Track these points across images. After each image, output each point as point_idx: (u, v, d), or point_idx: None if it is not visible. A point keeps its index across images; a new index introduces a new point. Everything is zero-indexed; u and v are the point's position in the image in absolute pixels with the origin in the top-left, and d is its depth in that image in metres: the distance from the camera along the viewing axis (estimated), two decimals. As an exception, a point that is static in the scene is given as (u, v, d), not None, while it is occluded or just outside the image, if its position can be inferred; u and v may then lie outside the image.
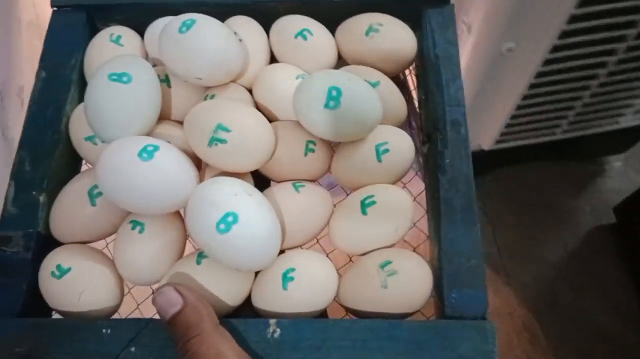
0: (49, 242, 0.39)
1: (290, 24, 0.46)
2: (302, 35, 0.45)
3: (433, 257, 0.39)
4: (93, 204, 0.39)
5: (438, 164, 0.40)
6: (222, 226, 0.33)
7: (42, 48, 0.45)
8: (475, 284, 0.36)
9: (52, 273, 0.36)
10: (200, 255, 0.37)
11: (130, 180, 0.35)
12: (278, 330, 0.34)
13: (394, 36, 0.45)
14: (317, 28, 0.46)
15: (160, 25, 0.46)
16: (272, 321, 0.34)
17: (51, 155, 0.41)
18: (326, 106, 0.38)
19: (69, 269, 0.37)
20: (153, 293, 0.33)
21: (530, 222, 1.19)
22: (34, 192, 0.40)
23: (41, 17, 0.79)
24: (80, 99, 0.44)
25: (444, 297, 0.35)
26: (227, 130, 0.37)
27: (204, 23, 0.41)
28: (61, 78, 0.44)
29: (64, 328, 0.35)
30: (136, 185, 0.35)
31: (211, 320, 0.32)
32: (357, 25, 0.46)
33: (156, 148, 0.36)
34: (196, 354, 0.30)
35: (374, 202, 0.39)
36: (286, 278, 0.36)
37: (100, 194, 0.39)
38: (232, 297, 0.36)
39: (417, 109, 0.47)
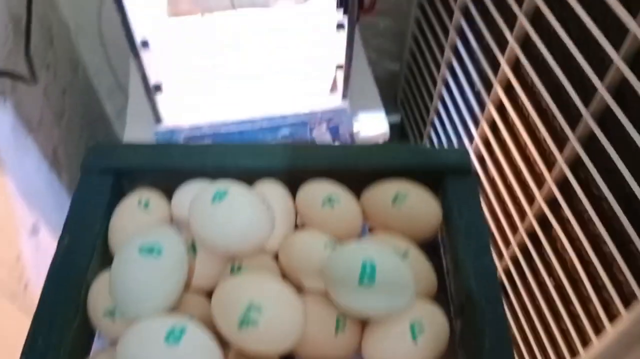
0: None
1: (317, 189, 0.47)
2: (329, 202, 0.45)
3: None
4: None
5: (478, 345, 0.38)
6: None
7: (67, 213, 0.45)
8: None
9: None
10: None
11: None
12: None
13: (420, 204, 0.46)
14: (343, 194, 0.46)
15: (189, 190, 0.46)
16: None
17: (67, 330, 0.39)
18: (360, 282, 0.37)
19: None
20: None
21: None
22: (43, 374, 0.37)
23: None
24: (102, 267, 0.43)
25: None
26: (259, 310, 0.35)
27: (237, 195, 0.41)
28: (84, 244, 0.43)
29: None
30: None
31: None
32: (383, 192, 0.46)
33: (183, 331, 0.34)
34: None
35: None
36: None
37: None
38: None
39: (446, 277, 0.47)
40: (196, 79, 0.73)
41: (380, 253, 0.39)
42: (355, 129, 0.78)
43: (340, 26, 0.69)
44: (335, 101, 0.78)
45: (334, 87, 0.78)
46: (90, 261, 0.42)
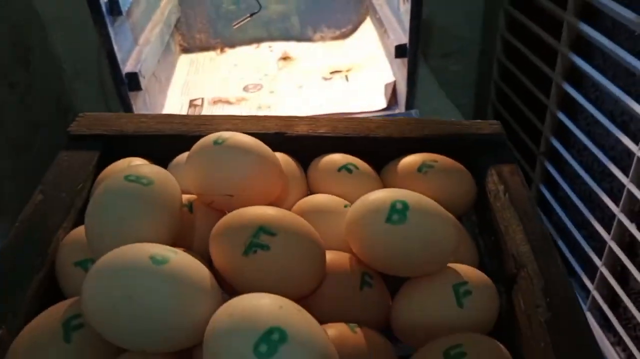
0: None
1: (332, 159, 0.41)
2: (347, 168, 0.40)
3: None
4: (67, 341, 0.27)
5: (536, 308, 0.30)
6: (262, 348, 0.22)
7: (46, 173, 0.39)
8: None
9: None
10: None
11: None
12: None
13: (452, 174, 0.40)
14: (360, 163, 0.41)
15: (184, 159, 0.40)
16: None
17: (26, 286, 0.31)
18: (388, 220, 0.30)
19: None
20: None
21: None
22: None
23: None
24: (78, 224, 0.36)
25: None
26: (271, 234, 0.28)
27: (241, 137, 0.36)
28: (61, 204, 0.37)
29: None
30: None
31: None
32: (408, 162, 0.41)
33: (168, 257, 0.27)
34: None
35: (463, 354, 0.28)
36: None
37: (78, 326, 0.28)
38: None
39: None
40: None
41: (415, 196, 0.32)
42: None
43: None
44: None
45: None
46: (65, 217, 0.36)
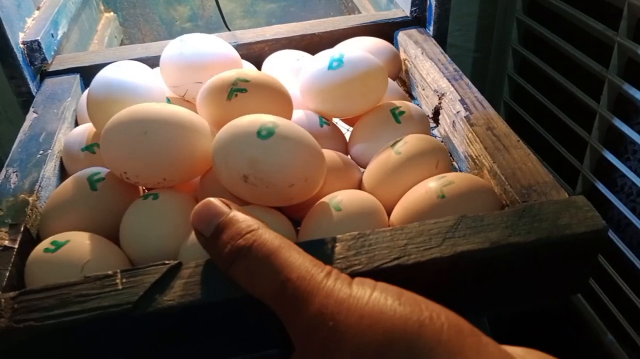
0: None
1: (281, 55, 0.49)
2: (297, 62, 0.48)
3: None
4: (94, 189, 0.34)
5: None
6: (263, 132, 0.30)
7: (34, 99, 0.45)
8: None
9: (46, 249, 0.30)
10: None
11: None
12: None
13: (377, 44, 0.49)
14: (307, 55, 0.49)
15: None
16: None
17: (41, 167, 0.37)
18: (330, 66, 0.39)
19: (66, 242, 0.30)
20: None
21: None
22: (22, 195, 0.35)
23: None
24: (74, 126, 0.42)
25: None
26: (246, 80, 0.36)
27: (201, 35, 0.43)
28: (54, 116, 0.43)
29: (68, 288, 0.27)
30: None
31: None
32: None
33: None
34: (259, 244, 0.24)
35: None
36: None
37: (101, 179, 0.34)
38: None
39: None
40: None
41: (350, 49, 0.41)
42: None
43: None
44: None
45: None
46: (62, 124, 0.42)
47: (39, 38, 0.45)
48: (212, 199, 0.26)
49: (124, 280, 0.26)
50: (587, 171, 0.57)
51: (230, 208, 0.26)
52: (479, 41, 0.72)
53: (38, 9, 0.50)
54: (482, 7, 0.69)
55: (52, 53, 0.48)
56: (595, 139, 0.55)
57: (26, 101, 0.45)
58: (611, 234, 0.55)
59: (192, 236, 0.30)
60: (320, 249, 0.27)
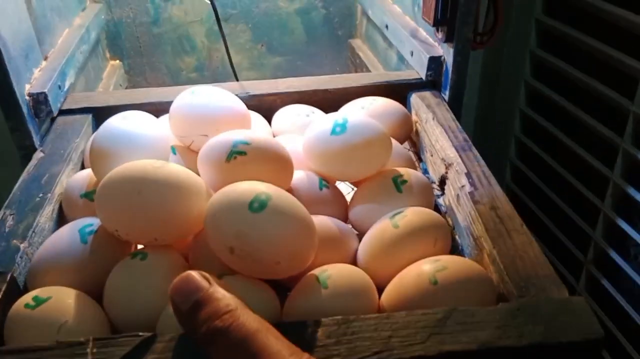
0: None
1: (292, 110, 0.49)
2: (306, 117, 0.47)
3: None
4: (84, 242, 0.33)
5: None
6: (255, 205, 0.29)
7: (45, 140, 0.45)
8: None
9: (26, 305, 0.29)
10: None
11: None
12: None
13: (388, 105, 0.48)
14: (318, 111, 0.49)
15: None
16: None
17: (38, 211, 0.37)
18: (333, 132, 0.38)
19: (47, 299, 0.29)
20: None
21: None
22: (14, 241, 0.34)
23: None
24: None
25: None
26: (247, 143, 0.35)
27: (213, 88, 0.43)
28: (60, 157, 0.43)
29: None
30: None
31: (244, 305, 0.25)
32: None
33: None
34: (236, 326, 0.23)
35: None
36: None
37: (92, 232, 0.34)
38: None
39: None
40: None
41: (354, 114, 0.40)
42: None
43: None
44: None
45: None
46: (66, 166, 0.42)
47: (45, 90, 0.44)
48: (192, 272, 0.25)
49: (94, 350, 0.26)
50: (600, 237, 0.55)
51: (210, 283, 0.25)
52: (483, 99, 0.71)
53: (45, 59, 0.50)
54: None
55: (58, 105, 0.48)
56: (609, 206, 0.54)
57: (27, 154, 0.44)
58: (624, 304, 0.52)
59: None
60: (300, 333, 0.26)
